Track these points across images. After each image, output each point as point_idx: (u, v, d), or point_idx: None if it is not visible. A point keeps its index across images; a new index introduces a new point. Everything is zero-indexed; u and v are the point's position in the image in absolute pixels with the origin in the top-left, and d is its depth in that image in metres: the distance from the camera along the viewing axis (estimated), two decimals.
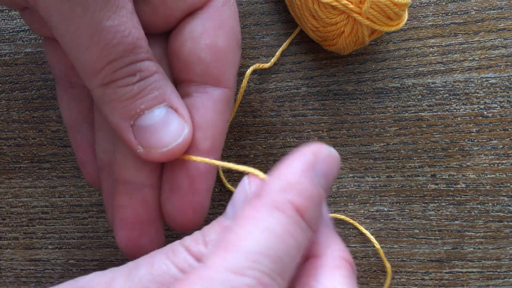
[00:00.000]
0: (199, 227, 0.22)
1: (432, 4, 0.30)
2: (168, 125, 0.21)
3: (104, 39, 0.19)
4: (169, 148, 0.21)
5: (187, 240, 0.20)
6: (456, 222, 0.30)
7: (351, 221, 0.30)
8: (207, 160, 0.22)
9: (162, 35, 0.24)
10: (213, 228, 0.20)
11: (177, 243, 0.20)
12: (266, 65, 0.29)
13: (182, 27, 0.23)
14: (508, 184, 0.29)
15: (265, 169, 0.30)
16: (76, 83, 0.26)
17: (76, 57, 0.20)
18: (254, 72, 0.30)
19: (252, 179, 0.21)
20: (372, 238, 0.29)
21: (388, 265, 0.29)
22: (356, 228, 0.30)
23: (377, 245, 0.29)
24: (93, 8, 0.19)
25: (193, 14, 0.23)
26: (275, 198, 0.18)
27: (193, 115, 0.23)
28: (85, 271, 0.30)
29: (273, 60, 0.30)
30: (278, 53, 0.30)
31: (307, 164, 0.19)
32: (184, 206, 0.23)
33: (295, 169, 0.19)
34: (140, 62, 0.21)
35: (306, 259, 0.19)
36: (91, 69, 0.20)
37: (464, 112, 0.30)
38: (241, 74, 0.29)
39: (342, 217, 0.30)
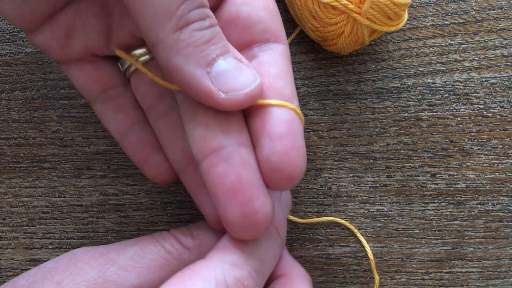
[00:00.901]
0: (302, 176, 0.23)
1: (432, 4, 0.30)
2: (242, 70, 0.21)
3: None
4: (252, 88, 0.21)
5: (175, 231, 0.24)
6: (456, 222, 0.30)
7: (350, 226, 0.30)
8: (292, 106, 0.22)
9: None
10: (199, 225, 0.25)
11: (165, 232, 0.25)
12: None
13: None
14: (508, 184, 0.29)
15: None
16: (113, 95, 0.26)
17: (146, 8, 0.20)
18: None
19: None
20: (367, 247, 0.30)
21: (377, 277, 0.29)
22: (356, 228, 0.30)
23: (370, 256, 0.29)
24: None
25: None
26: None
27: (267, 68, 0.23)
28: None
29: None
30: None
31: (277, 196, 0.25)
32: (288, 150, 0.21)
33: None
34: (206, 8, 0.21)
35: (278, 277, 0.24)
36: (165, 11, 0.20)
37: (464, 112, 0.30)
38: None
39: (341, 221, 0.30)
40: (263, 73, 0.23)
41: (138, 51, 0.25)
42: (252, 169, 0.22)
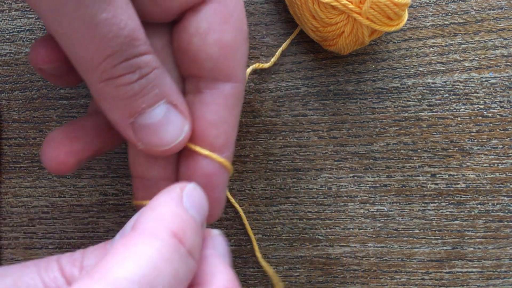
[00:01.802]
0: (216, 220, 0.23)
1: (432, 4, 0.30)
2: (169, 123, 0.21)
3: (99, 34, 0.18)
4: (171, 147, 0.21)
5: (64, 259, 0.19)
6: (456, 222, 0.30)
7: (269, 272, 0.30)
8: (219, 158, 0.22)
9: (163, 24, 0.23)
10: (95, 251, 0.20)
11: (53, 259, 0.19)
12: (266, 65, 0.29)
13: (186, 22, 0.22)
14: (508, 184, 0.29)
15: (265, 169, 0.30)
16: None
17: (72, 52, 0.19)
18: (254, 72, 0.30)
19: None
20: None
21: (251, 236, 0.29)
22: (356, 228, 0.30)
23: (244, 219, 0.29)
24: (87, 1, 0.18)
25: (197, 7, 0.22)
26: (149, 226, 0.17)
27: (205, 112, 0.22)
28: None
29: (272, 60, 0.30)
30: (278, 53, 0.30)
31: (175, 196, 0.19)
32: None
33: (166, 201, 0.19)
34: (139, 57, 0.20)
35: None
36: (89, 64, 0.19)
37: (464, 112, 0.30)
38: None
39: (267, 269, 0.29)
40: (199, 117, 0.22)
41: None
42: None
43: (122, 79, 0.19)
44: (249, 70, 0.29)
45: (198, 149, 0.22)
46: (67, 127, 0.23)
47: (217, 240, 0.21)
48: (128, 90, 0.20)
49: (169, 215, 0.18)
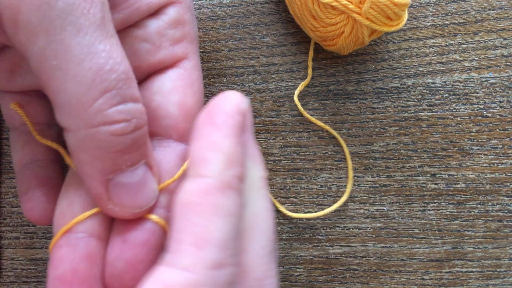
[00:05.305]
0: None
1: (432, 4, 0.30)
2: (145, 186, 0.20)
3: (96, 64, 0.17)
4: (142, 210, 0.20)
5: None
6: (456, 222, 0.30)
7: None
8: (156, 219, 0.20)
9: None
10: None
11: None
12: (306, 82, 0.30)
13: (151, 82, 0.22)
14: (508, 184, 0.29)
15: (265, 169, 0.30)
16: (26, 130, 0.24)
17: (61, 89, 0.17)
18: (254, 72, 0.30)
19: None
20: None
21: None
22: (356, 228, 0.30)
23: None
24: (86, 29, 0.17)
25: (162, 71, 0.23)
26: (224, 178, 0.18)
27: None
28: None
29: (309, 72, 0.30)
30: (309, 63, 0.30)
31: (238, 129, 0.19)
32: (137, 261, 0.20)
33: (229, 137, 0.18)
34: (134, 103, 0.18)
35: None
36: (81, 101, 0.17)
37: (464, 112, 0.30)
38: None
39: None
40: None
41: None
42: (93, 264, 0.20)
43: (117, 127, 0.18)
44: (296, 92, 0.30)
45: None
46: (48, 191, 0.23)
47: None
48: (120, 141, 0.18)
49: (236, 160, 0.19)
